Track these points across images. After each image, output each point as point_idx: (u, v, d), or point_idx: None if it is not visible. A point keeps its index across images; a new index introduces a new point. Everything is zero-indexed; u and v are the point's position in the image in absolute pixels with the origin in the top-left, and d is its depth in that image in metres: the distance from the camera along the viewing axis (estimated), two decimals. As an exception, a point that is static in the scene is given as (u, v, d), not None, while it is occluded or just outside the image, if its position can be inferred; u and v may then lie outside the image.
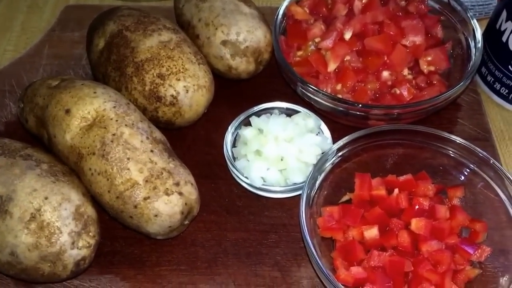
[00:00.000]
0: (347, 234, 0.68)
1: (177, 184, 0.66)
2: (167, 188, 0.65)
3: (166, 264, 0.71)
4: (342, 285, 0.62)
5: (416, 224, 0.66)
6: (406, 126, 0.75)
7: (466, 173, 0.73)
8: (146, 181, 0.65)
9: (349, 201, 0.73)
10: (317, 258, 0.62)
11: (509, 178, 0.68)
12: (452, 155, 0.74)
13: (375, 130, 0.73)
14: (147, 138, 0.67)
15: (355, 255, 0.66)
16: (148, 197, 0.64)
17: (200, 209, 0.73)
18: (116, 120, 0.67)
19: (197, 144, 0.82)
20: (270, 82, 0.88)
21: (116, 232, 0.73)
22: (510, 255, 0.66)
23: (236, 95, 0.87)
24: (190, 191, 0.68)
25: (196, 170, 0.73)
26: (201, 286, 0.69)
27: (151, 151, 0.66)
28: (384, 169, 0.75)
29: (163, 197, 0.65)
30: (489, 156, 0.71)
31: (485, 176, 0.71)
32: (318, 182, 0.71)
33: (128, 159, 0.65)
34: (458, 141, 0.73)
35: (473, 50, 0.80)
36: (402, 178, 0.72)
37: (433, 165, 0.75)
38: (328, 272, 0.62)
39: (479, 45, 0.79)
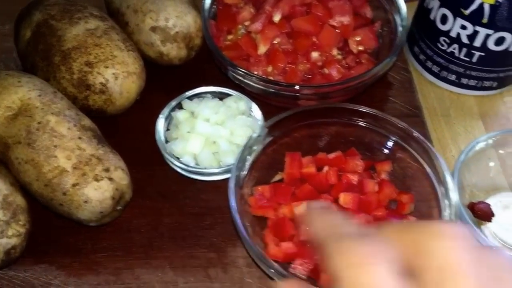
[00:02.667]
0: (279, 212, 0.69)
1: (107, 170, 0.66)
2: (96, 174, 0.65)
3: (102, 251, 0.71)
4: (273, 260, 0.64)
5: (344, 198, 0.68)
6: (335, 104, 0.76)
7: (395, 148, 0.75)
8: (75, 168, 0.65)
9: (281, 181, 0.74)
10: (244, 233, 0.63)
11: (431, 150, 0.70)
12: (380, 131, 0.75)
13: (304, 109, 0.75)
14: (75, 125, 0.67)
15: (286, 231, 0.67)
16: (77, 184, 0.64)
17: (136, 196, 0.73)
18: (42, 108, 0.66)
19: (132, 132, 0.82)
20: (204, 67, 0.88)
21: (51, 222, 0.73)
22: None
23: (170, 82, 0.87)
24: (121, 177, 0.68)
25: (131, 157, 0.74)
26: (137, 270, 0.70)
27: (79, 138, 0.66)
28: (315, 148, 0.76)
29: (93, 183, 0.65)
30: (412, 130, 0.73)
31: (411, 150, 0.73)
32: (248, 163, 0.71)
33: (55, 146, 0.65)
34: (386, 118, 0.74)
35: (399, 28, 0.82)
36: (331, 155, 0.74)
37: (363, 142, 0.77)
38: (256, 247, 0.63)
39: (404, 22, 0.81)
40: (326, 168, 0.72)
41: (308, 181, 0.71)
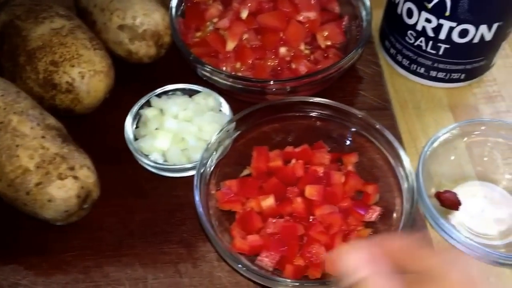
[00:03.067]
0: (246, 206, 0.70)
1: (72, 168, 0.66)
2: (60, 173, 0.65)
3: (71, 250, 0.71)
4: (239, 253, 0.64)
5: (309, 190, 0.68)
6: (301, 98, 0.76)
7: (361, 140, 0.75)
8: (38, 167, 0.65)
9: (250, 175, 0.74)
10: (209, 228, 0.64)
11: (394, 141, 0.71)
12: (347, 124, 0.76)
13: (271, 104, 0.75)
14: (38, 124, 0.67)
15: (253, 225, 0.67)
16: (40, 183, 0.64)
17: (107, 194, 0.73)
18: (4, 108, 0.66)
19: (102, 131, 0.82)
20: (175, 64, 0.88)
21: (19, 222, 0.73)
22: (398, 214, 0.69)
23: (141, 80, 0.87)
24: (87, 175, 0.68)
25: (102, 156, 0.74)
26: (107, 268, 0.70)
27: (43, 137, 0.66)
28: (284, 142, 0.76)
29: (56, 182, 0.65)
30: (375, 121, 0.73)
31: (375, 141, 0.74)
32: (216, 159, 0.72)
33: (17, 146, 0.65)
34: (351, 111, 0.75)
35: (364, 22, 0.83)
36: (298, 148, 0.74)
37: (331, 135, 0.77)
38: (221, 241, 0.63)
39: (369, 16, 0.82)
40: (293, 161, 0.72)
41: (275, 175, 0.71)
